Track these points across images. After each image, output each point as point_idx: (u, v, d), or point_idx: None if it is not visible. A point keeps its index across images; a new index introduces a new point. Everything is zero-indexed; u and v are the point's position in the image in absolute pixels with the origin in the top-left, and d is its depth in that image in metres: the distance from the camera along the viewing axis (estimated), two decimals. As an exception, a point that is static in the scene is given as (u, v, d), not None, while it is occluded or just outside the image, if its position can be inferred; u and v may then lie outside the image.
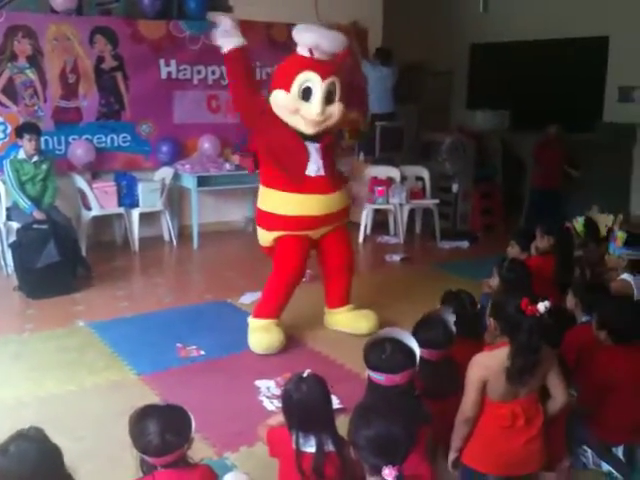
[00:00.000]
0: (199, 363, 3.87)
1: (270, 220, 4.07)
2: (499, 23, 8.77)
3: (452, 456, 2.58)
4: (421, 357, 2.50)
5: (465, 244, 6.82)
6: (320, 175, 4.00)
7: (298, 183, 3.95)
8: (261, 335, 3.99)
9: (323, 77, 3.83)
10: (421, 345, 2.52)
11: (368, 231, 6.94)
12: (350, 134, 5.99)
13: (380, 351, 2.48)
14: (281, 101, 3.86)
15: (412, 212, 7.04)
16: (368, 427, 1.96)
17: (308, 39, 3.87)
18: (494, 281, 3.59)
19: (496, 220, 7.59)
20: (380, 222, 7.16)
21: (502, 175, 7.98)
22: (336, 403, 3.04)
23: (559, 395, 2.54)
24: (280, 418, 2.58)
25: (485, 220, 7.55)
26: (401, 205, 6.85)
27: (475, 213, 7.53)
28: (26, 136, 5.38)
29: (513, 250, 4.25)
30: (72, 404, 3.38)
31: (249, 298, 4.89)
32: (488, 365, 2.48)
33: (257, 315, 4.10)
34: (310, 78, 3.82)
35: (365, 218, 6.87)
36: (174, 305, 4.87)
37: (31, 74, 6.11)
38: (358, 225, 6.87)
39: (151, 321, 4.50)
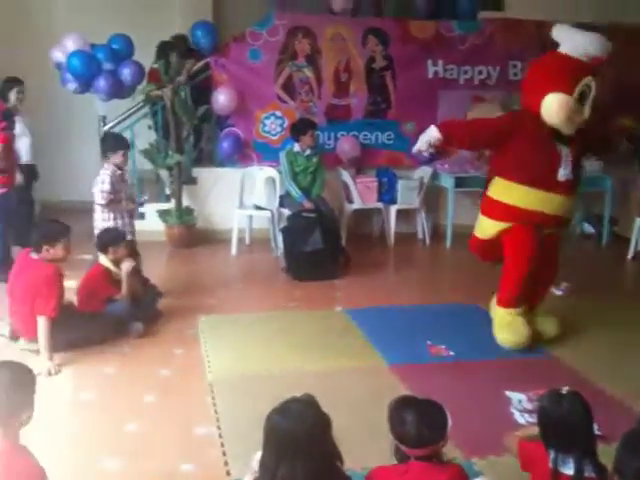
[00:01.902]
0: (448, 363, 3.90)
1: (504, 211, 4.07)
2: None
3: None
4: None
5: None
6: (568, 179, 4.02)
7: (547, 184, 3.99)
8: (507, 330, 4.05)
9: (595, 81, 3.88)
10: None
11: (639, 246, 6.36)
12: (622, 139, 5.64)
13: None
14: (565, 104, 3.83)
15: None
16: (637, 458, 1.82)
17: (582, 43, 3.90)
18: None
19: None
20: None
21: None
22: (595, 429, 2.86)
23: None
24: (530, 431, 2.51)
25: None
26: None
27: None
28: (309, 131, 5.85)
29: None
30: (328, 382, 3.59)
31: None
32: None
33: (501, 303, 4.15)
34: (589, 83, 3.86)
35: (637, 231, 6.28)
36: (425, 301, 4.97)
37: (308, 72, 6.62)
38: (627, 239, 6.32)
39: (403, 314, 4.65)
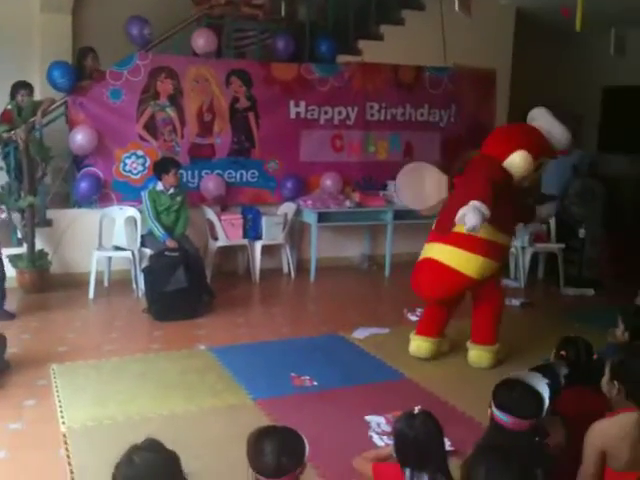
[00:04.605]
0: (312, 393, 3.94)
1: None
2: (635, 66, 8.46)
3: None
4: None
5: (590, 292, 6.52)
6: None
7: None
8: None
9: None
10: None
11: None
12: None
13: (509, 391, 2.45)
14: (528, 164, 4.26)
15: (535, 256, 6.84)
16: (485, 467, 1.95)
17: (545, 124, 4.37)
18: (619, 331, 3.41)
19: (626, 269, 7.18)
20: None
21: (634, 222, 7.58)
22: (447, 445, 2.98)
23: None
24: (379, 453, 2.59)
25: (614, 268, 7.16)
26: (523, 248, 6.66)
27: (603, 260, 7.18)
28: (172, 170, 5.77)
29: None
30: (191, 423, 3.54)
31: (362, 333, 4.95)
32: (608, 433, 2.35)
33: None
34: (546, 163, 4.39)
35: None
36: (290, 335, 5.00)
37: (171, 112, 6.56)
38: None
39: (268, 349, 4.65)
